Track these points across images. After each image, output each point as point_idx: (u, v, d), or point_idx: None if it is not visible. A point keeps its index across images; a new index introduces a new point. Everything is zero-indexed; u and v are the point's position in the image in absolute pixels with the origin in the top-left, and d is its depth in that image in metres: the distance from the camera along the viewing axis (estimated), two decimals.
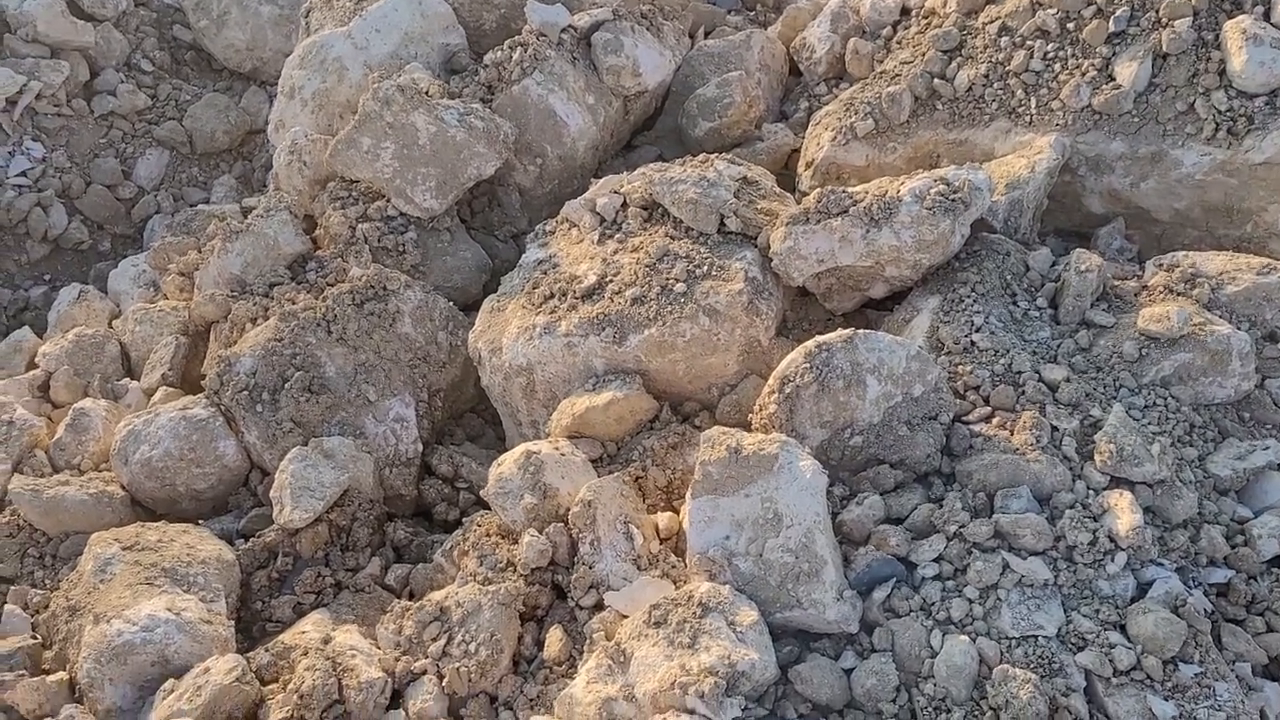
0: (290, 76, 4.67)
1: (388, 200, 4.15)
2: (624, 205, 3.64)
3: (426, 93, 4.14)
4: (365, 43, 4.48)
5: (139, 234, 5.50)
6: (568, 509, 2.95)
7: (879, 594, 2.65)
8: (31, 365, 4.27)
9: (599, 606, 2.78)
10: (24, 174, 5.30)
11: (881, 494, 2.80)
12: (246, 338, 3.68)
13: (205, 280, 4.18)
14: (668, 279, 3.31)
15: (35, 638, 2.97)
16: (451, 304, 3.90)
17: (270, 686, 2.75)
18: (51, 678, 2.75)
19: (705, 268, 3.33)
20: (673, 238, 3.45)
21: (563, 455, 3.06)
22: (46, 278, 5.31)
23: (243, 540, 3.35)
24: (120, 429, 3.52)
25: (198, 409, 3.53)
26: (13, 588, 3.21)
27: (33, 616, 3.10)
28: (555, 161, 4.40)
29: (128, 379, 4.12)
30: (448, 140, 4.06)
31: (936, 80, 4.00)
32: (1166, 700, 2.45)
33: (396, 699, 2.70)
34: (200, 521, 3.44)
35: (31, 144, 5.37)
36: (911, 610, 2.61)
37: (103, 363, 4.15)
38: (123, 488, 3.49)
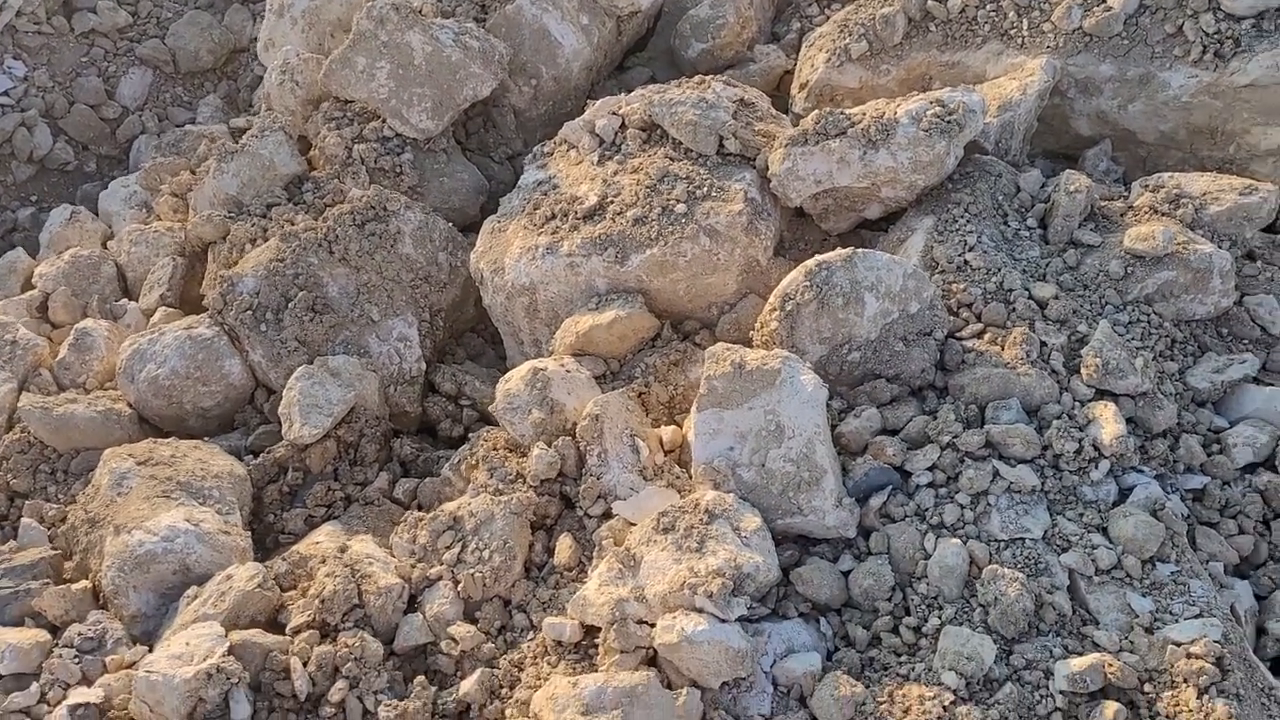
0: None
1: (383, 121, 4.15)
2: (623, 126, 3.67)
3: (420, 11, 4.12)
4: None
5: (124, 155, 5.45)
6: (574, 423, 3.04)
7: (875, 501, 2.78)
8: (27, 286, 4.28)
9: (607, 515, 2.89)
10: (6, 93, 5.24)
11: (878, 407, 2.92)
12: (248, 258, 3.72)
13: (200, 201, 4.18)
14: (668, 200, 3.37)
15: (56, 549, 3.04)
16: (450, 225, 3.94)
17: (289, 594, 2.85)
18: (76, 586, 2.84)
19: (705, 189, 3.39)
20: (672, 159, 3.50)
21: (568, 372, 3.14)
22: (33, 199, 5.27)
23: (251, 456, 3.43)
24: (125, 348, 3.57)
25: (202, 328, 3.58)
26: (28, 502, 3.28)
27: (49, 529, 3.17)
28: (550, 82, 4.41)
29: (125, 299, 4.15)
30: (443, 60, 4.06)
31: (930, 2, 4.02)
32: (1144, 597, 2.60)
33: (413, 604, 2.81)
34: (207, 439, 3.51)
35: (13, 63, 5.30)
36: (906, 516, 2.75)
37: (100, 283, 4.17)
38: (129, 405, 3.54)
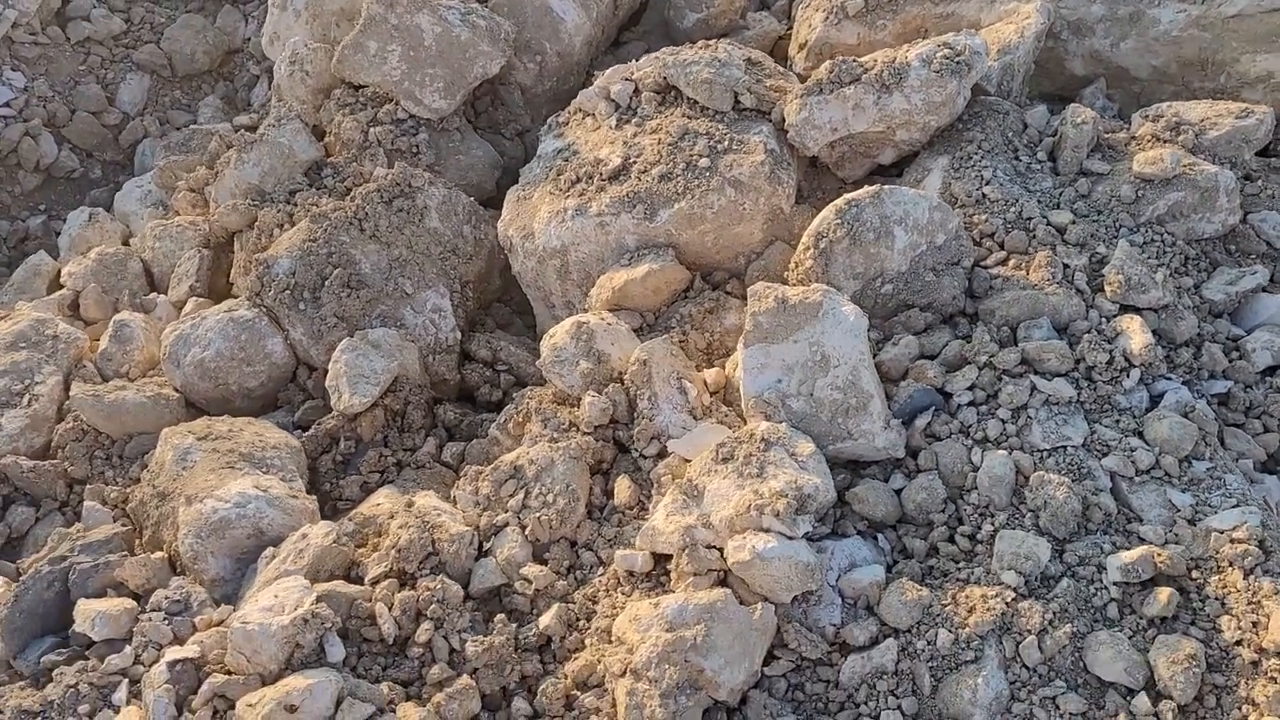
0: None
1: (396, 103, 4.23)
2: (637, 91, 3.78)
3: None
4: None
5: (129, 159, 5.51)
6: (620, 372, 3.15)
7: (920, 422, 2.90)
8: (55, 287, 4.34)
9: (661, 455, 2.99)
10: (8, 104, 5.28)
11: (914, 335, 3.04)
12: (280, 241, 3.79)
13: (221, 193, 4.26)
14: (691, 155, 3.48)
15: (125, 525, 3.12)
16: (472, 199, 4.03)
17: (359, 550, 2.94)
18: (155, 555, 2.91)
19: (726, 143, 3.50)
20: (690, 117, 3.61)
21: (610, 325, 3.24)
22: (42, 208, 5.32)
23: (300, 431, 3.51)
24: (168, 334, 3.64)
25: (242, 310, 3.65)
26: (88, 487, 3.34)
27: (112, 510, 3.24)
28: (554, 58, 4.51)
29: (154, 294, 4.22)
30: (453, 40, 4.15)
31: None
32: (1184, 492, 2.74)
33: (483, 550, 2.90)
34: (254, 417, 3.58)
35: (11, 74, 5.33)
36: (951, 434, 2.87)
37: (127, 279, 4.23)
38: (176, 390, 3.61)
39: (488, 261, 4.00)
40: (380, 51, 4.17)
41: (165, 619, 2.70)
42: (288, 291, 3.64)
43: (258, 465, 3.12)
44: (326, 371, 3.52)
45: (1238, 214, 3.34)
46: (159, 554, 2.94)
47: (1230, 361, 3.07)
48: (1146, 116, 3.57)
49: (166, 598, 2.75)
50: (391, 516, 2.95)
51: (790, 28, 4.59)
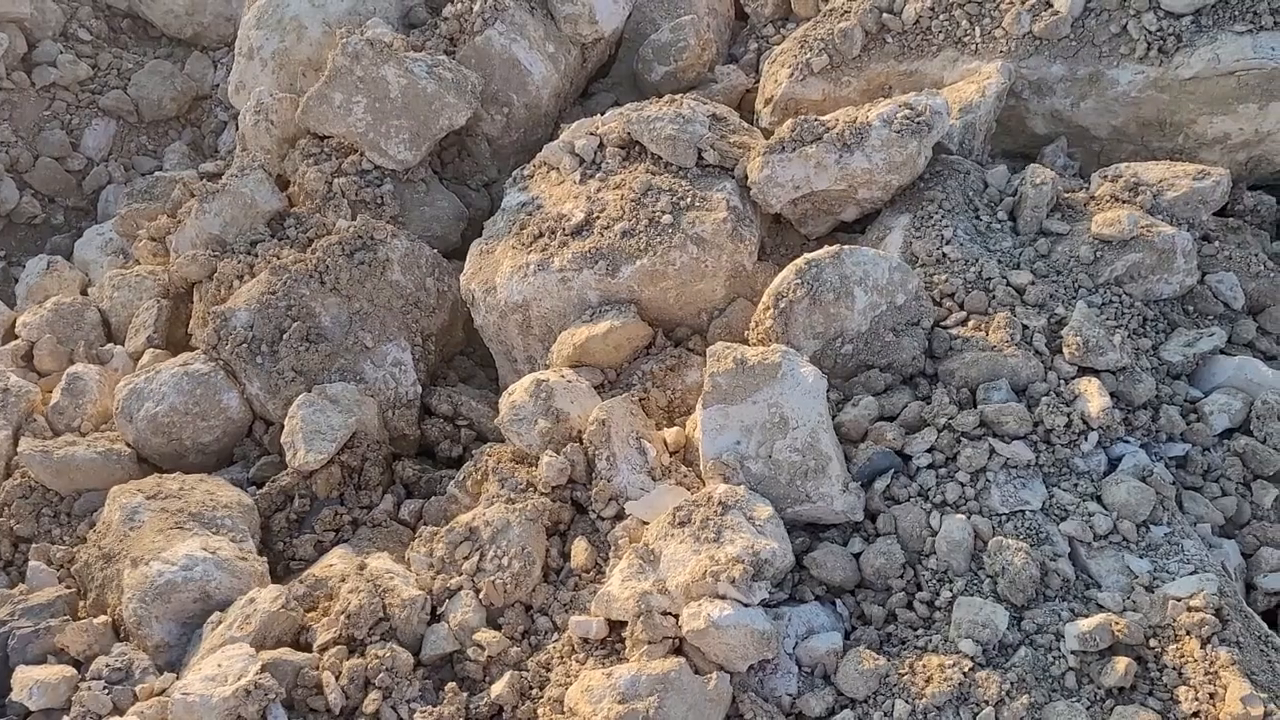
0: (247, 38, 4.68)
1: (361, 154, 4.22)
2: (601, 145, 3.78)
3: (392, 46, 4.21)
4: (323, 0, 4.52)
5: (92, 205, 5.46)
6: (579, 431, 3.11)
7: (879, 484, 2.88)
8: (10, 336, 4.27)
9: (619, 516, 2.96)
10: None
11: (873, 395, 3.03)
12: (239, 293, 3.75)
13: (182, 242, 4.21)
14: (654, 211, 3.47)
15: (70, 587, 3.04)
16: (435, 251, 4.01)
17: (309, 615, 2.88)
18: (98, 620, 2.84)
19: (689, 199, 3.50)
20: (653, 173, 3.61)
21: (570, 382, 3.22)
22: (2, 254, 5.25)
23: (254, 488, 3.45)
24: (121, 388, 3.58)
25: (198, 364, 3.60)
26: (34, 545, 3.27)
27: (57, 570, 3.17)
28: (521, 110, 4.51)
29: (111, 344, 4.16)
30: (419, 92, 4.15)
31: (885, 14, 4.20)
32: (1142, 558, 2.73)
33: (435, 615, 2.85)
34: (208, 474, 3.52)
35: None
36: (910, 496, 2.85)
37: (84, 329, 4.18)
38: (128, 445, 3.55)
39: (451, 314, 3.97)
40: (345, 103, 4.16)
41: (105, 688, 2.63)
42: (245, 345, 3.59)
43: (207, 525, 3.06)
44: (283, 427, 3.47)
45: (1195, 275, 3.37)
46: (102, 618, 2.87)
47: (1188, 424, 3.07)
48: (1105, 177, 3.60)
49: (108, 665, 2.68)
50: (343, 579, 2.89)
51: (758, 81, 4.63)
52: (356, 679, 2.62)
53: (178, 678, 2.66)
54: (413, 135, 4.18)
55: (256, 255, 3.97)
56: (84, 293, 4.49)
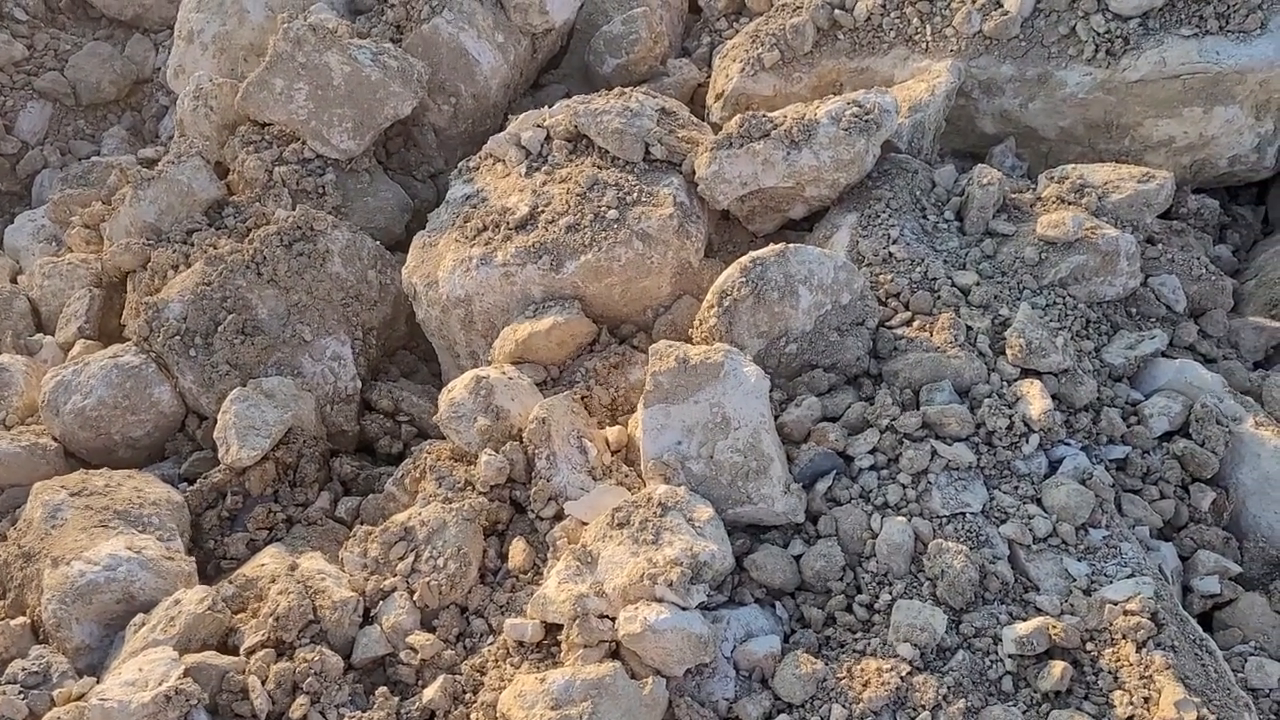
0: (187, 20, 4.57)
1: (303, 142, 4.13)
2: (548, 138, 3.72)
3: (336, 33, 4.12)
4: None
5: (26, 190, 5.30)
6: (519, 429, 3.06)
7: (821, 486, 2.85)
8: None
9: (559, 517, 2.91)
10: None
11: (817, 395, 3.00)
12: (172, 283, 3.65)
13: (116, 230, 4.09)
14: (600, 206, 3.42)
15: None
16: (378, 244, 3.92)
17: (238, 616, 2.80)
18: (14, 622, 2.74)
19: (635, 194, 3.45)
20: (600, 167, 3.56)
21: (510, 379, 3.16)
22: None
23: (186, 484, 3.36)
24: (48, 380, 3.47)
25: (128, 356, 3.50)
26: None
27: None
28: (469, 100, 4.44)
29: (41, 334, 4.03)
30: (363, 80, 4.06)
31: (837, 11, 4.17)
32: (1080, 561, 2.72)
33: (368, 617, 2.78)
34: (139, 469, 3.42)
35: None
36: (852, 498, 2.83)
37: (12, 319, 4.05)
38: (54, 439, 3.44)
39: (393, 308, 3.89)
40: (287, 89, 4.06)
41: (21, 692, 2.53)
42: (178, 337, 3.50)
43: (134, 524, 2.97)
44: (217, 422, 3.38)
45: (1138, 277, 3.37)
46: (20, 620, 2.77)
47: (1129, 426, 3.07)
48: (1052, 178, 3.60)
49: (24, 669, 2.59)
50: (274, 580, 2.81)
51: (710, 75, 4.59)
52: (284, 683, 2.55)
53: (98, 682, 2.57)
54: (356, 124, 4.09)
55: (193, 245, 3.86)
56: (13, 280, 4.35)
